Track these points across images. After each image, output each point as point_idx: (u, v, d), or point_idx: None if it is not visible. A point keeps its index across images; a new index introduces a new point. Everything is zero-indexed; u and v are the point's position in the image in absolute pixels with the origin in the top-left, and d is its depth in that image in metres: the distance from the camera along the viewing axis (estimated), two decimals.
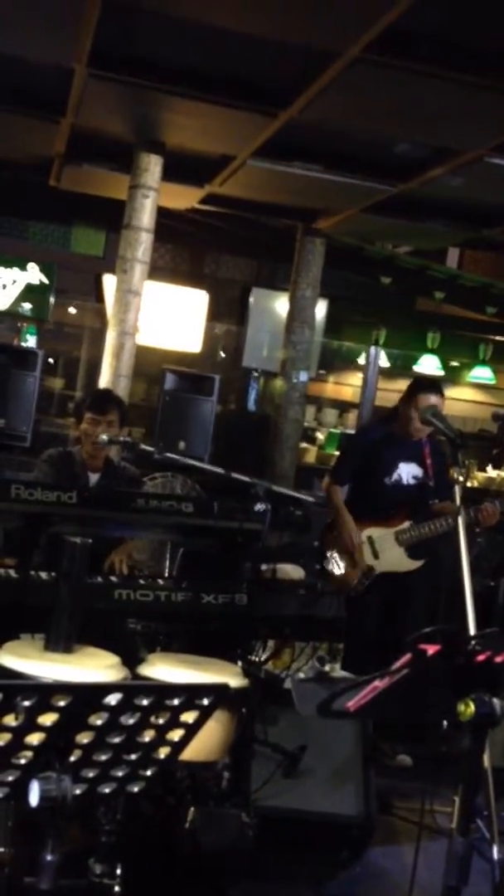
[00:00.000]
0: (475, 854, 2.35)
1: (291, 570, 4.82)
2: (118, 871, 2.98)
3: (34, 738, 1.94)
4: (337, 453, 8.38)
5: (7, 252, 9.94)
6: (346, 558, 5.31)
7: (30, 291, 9.80)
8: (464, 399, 12.59)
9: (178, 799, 3.37)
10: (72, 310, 11.83)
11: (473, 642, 2.29)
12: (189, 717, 2.11)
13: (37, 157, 7.91)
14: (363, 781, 3.99)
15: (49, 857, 2.01)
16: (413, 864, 3.16)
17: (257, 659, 3.79)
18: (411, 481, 5.34)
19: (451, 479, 3.97)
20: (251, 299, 10.29)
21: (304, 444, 10.36)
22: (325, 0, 4.49)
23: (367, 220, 8.24)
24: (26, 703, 1.90)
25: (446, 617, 3.82)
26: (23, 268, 9.78)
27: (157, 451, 4.74)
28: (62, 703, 1.93)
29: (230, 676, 3.32)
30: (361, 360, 11.62)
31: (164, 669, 3.33)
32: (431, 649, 2.20)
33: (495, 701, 2.23)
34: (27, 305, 9.82)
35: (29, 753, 1.95)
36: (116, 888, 2.97)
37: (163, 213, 7.38)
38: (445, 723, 2.32)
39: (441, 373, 11.44)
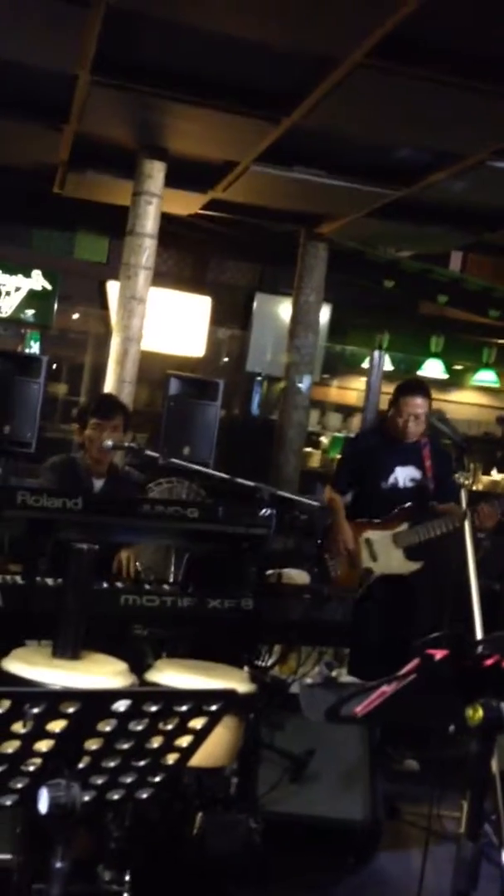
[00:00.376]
0: (483, 859, 2.35)
1: (297, 575, 4.83)
2: (127, 878, 2.99)
3: (43, 745, 1.94)
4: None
5: (11, 259, 9.93)
6: (344, 561, 5.31)
7: (33, 298, 9.80)
8: (468, 402, 12.57)
9: (186, 804, 3.38)
10: (76, 316, 11.83)
11: (481, 647, 2.29)
12: (197, 723, 2.11)
13: (40, 163, 7.91)
14: (370, 786, 3.99)
15: (58, 864, 2.01)
16: (421, 869, 3.17)
17: (263, 664, 3.79)
18: (409, 484, 5.35)
19: (456, 483, 3.98)
20: (255, 304, 10.30)
21: (308, 449, 10.33)
22: (327, 7, 4.50)
23: (370, 224, 8.24)
24: (35, 711, 1.90)
25: (451, 619, 3.82)
26: (26, 274, 9.78)
27: (161, 456, 4.75)
28: (71, 710, 1.94)
29: (237, 682, 3.33)
30: (365, 365, 11.61)
31: (171, 675, 3.34)
32: (439, 654, 2.20)
33: (503, 706, 2.23)
34: (31, 312, 9.82)
35: (38, 760, 1.95)
36: (125, 895, 2.97)
37: (166, 219, 7.39)
38: (452, 727, 2.32)
39: (445, 376, 11.44)
